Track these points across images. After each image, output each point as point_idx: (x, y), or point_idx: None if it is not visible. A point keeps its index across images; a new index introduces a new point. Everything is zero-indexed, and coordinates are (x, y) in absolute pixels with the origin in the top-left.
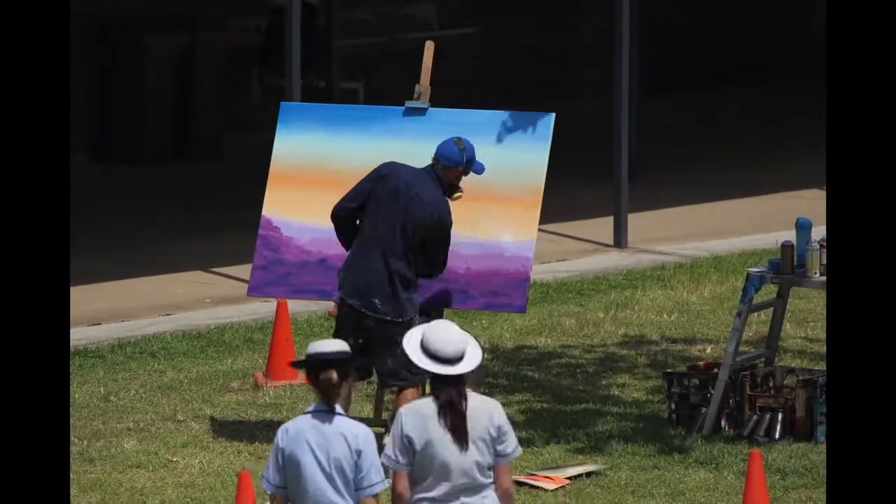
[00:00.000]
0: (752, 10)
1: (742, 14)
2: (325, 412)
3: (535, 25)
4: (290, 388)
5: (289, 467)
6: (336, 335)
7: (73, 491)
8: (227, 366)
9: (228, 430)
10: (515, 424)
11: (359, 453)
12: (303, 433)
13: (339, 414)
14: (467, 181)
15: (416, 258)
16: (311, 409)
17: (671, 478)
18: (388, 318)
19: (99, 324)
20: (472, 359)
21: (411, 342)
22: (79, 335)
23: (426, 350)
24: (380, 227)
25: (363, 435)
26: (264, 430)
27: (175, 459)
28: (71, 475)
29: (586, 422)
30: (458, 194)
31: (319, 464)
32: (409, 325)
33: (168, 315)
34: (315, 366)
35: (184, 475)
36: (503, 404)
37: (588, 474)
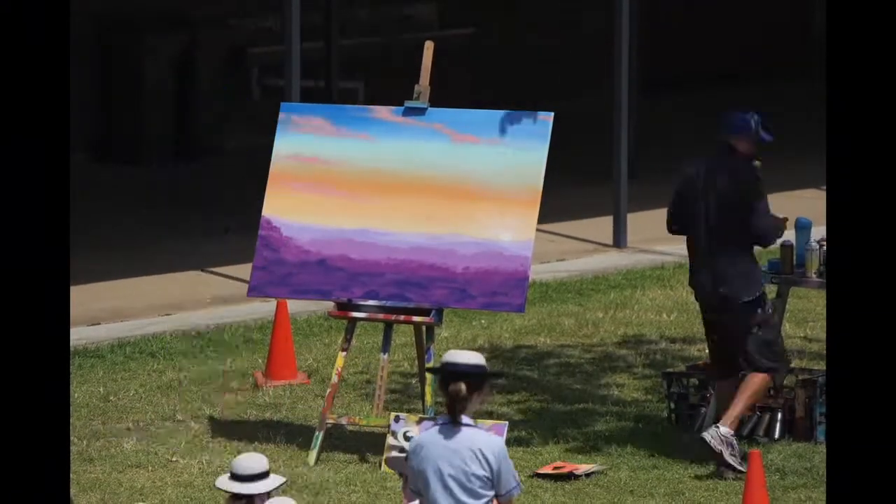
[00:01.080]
0: (753, 11)
1: (742, 14)
2: (450, 424)
3: (535, 26)
4: (289, 388)
5: (419, 479)
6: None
7: (72, 490)
8: (226, 366)
9: (228, 429)
10: (514, 424)
11: (488, 462)
12: (428, 446)
13: (467, 425)
14: (466, 182)
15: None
16: (439, 420)
17: (671, 477)
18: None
19: (99, 324)
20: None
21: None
22: (79, 335)
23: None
24: (702, 229)
25: (490, 445)
26: (264, 430)
27: (174, 459)
28: (71, 475)
29: (585, 421)
30: (758, 162)
31: (441, 476)
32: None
33: (168, 315)
34: (446, 375)
35: (183, 475)
36: (502, 404)
37: (588, 474)
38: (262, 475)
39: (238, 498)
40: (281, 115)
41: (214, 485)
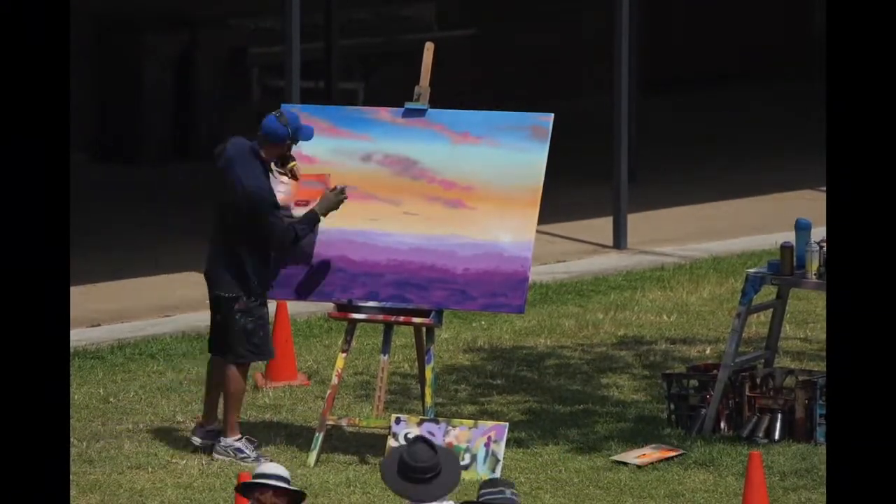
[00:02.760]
0: (753, 10)
1: (742, 14)
2: None
3: (535, 26)
4: (289, 389)
5: None
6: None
7: (72, 492)
8: None
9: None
10: (514, 425)
11: None
12: None
13: None
14: (466, 183)
15: (244, 238)
16: None
17: (670, 479)
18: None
19: (99, 325)
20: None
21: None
22: (79, 336)
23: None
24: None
25: None
26: (264, 431)
27: (174, 460)
28: (71, 476)
29: (585, 422)
30: (293, 164)
31: None
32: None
33: (168, 316)
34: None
35: (183, 476)
36: (502, 405)
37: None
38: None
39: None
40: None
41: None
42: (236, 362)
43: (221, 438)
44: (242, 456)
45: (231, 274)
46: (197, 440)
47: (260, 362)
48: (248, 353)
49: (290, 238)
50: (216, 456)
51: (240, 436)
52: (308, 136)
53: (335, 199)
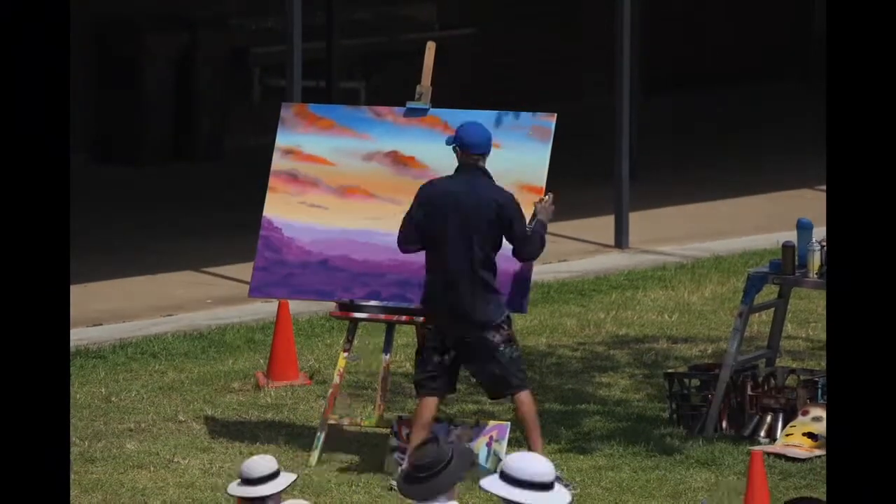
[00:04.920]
0: (753, 10)
1: (742, 14)
2: None
3: (536, 26)
4: (290, 389)
5: None
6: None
7: (74, 491)
8: (227, 366)
9: (230, 430)
10: (516, 424)
11: None
12: None
13: None
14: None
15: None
16: None
17: (672, 478)
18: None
19: (100, 324)
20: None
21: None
22: (80, 336)
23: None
24: (450, 251)
25: None
26: (265, 431)
27: (176, 460)
28: (72, 476)
29: (587, 422)
30: None
31: None
32: (501, 328)
33: (169, 315)
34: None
35: (185, 476)
36: (504, 404)
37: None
38: (273, 475)
39: (250, 501)
40: (282, 115)
41: (226, 492)
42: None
43: None
44: None
45: (486, 302)
46: None
47: (261, 361)
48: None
49: (539, 243)
50: None
51: None
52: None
53: (551, 206)
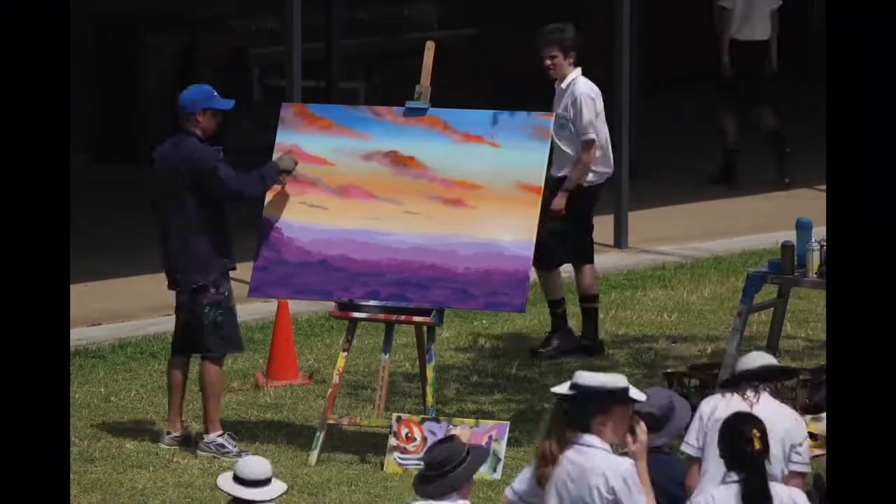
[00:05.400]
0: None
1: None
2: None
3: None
4: (290, 389)
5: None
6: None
7: (73, 491)
8: (227, 366)
9: (229, 429)
10: (515, 424)
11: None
12: None
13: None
14: (467, 182)
15: (206, 212)
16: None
17: None
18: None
19: (99, 324)
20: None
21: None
22: (79, 335)
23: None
24: (168, 207)
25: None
26: (265, 430)
27: (175, 459)
28: (71, 475)
29: None
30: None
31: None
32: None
33: (168, 315)
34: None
35: (184, 475)
36: (503, 404)
37: None
38: (265, 481)
39: (239, 502)
40: (282, 115)
41: (217, 484)
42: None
43: (204, 435)
44: (224, 451)
45: (196, 265)
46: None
47: (260, 361)
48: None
49: (258, 182)
50: (199, 454)
51: (221, 431)
52: (229, 104)
53: (291, 161)
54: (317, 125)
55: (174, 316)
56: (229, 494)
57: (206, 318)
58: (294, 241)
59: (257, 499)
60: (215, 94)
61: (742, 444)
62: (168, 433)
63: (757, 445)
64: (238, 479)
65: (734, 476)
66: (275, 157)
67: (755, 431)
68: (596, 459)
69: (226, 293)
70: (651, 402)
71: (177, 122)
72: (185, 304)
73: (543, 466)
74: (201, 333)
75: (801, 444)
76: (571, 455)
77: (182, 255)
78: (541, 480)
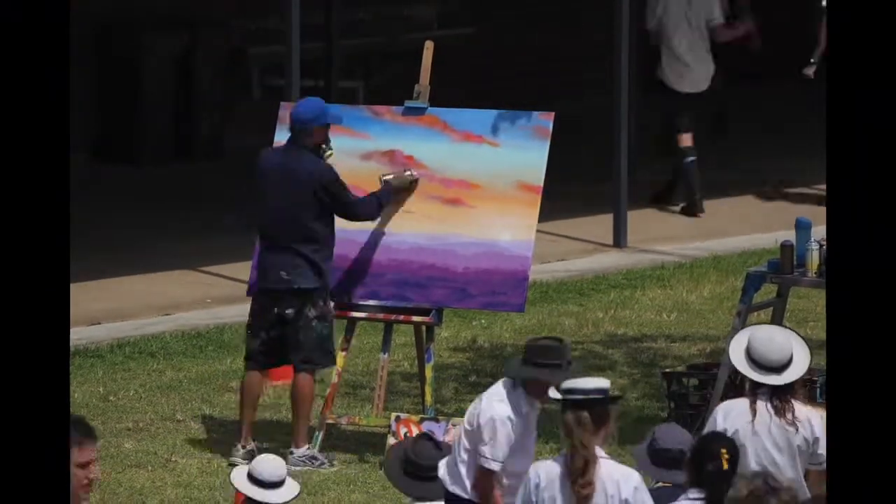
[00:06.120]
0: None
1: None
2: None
3: (536, 25)
4: (288, 389)
5: None
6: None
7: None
8: (226, 366)
9: (228, 429)
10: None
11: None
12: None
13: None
14: (466, 182)
15: (323, 231)
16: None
17: None
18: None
19: (98, 323)
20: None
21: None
22: (78, 335)
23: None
24: (276, 216)
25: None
26: (264, 430)
27: (174, 459)
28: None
29: None
30: (329, 153)
31: None
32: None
33: (167, 315)
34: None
35: (183, 475)
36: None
37: None
38: (280, 483)
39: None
40: (280, 114)
41: (231, 480)
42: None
43: (293, 449)
44: (318, 463)
45: (308, 278)
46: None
47: None
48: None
49: (374, 206)
50: (291, 468)
51: (309, 444)
52: (339, 119)
53: (407, 177)
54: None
55: (255, 326)
56: (247, 496)
57: (314, 330)
58: None
59: (271, 501)
60: (327, 107)
61: (710, 463)
62: (243, 447)
63: (724, 465)
64: (252, 479)
65: (696, 493)
66: (391, 176)
67: (724, 451)
68: (607, 467)
69: (331, 306)
70: (673, 439)
71: (179, 125)
72: (291, 315)
73: (585, 486)
74: (308, 345)
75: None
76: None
77: (294, 266)
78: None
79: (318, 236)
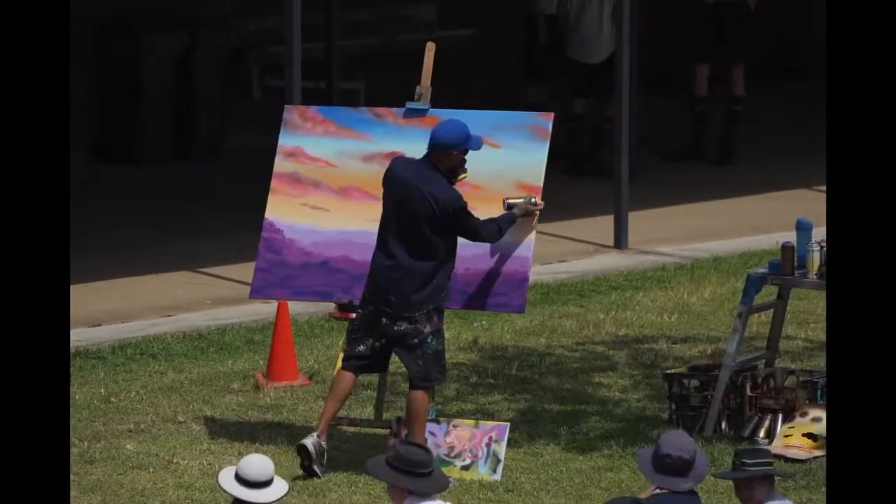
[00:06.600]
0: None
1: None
2: None
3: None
4: (290, 390)
5: None
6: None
7: (73, 492)
8: (227, 367)
9: (229, 431)
10: (515, 425)
11: None
12: None
13: None
14: (467, 181)
15: (445, 249)
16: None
17: None
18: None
19: (99, 325)
20: None
21: None
22: (79, 336)
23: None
24: (396, 230)
25: None
26: (265, 432)
27: (175, 461)
28: (71, 476)
29: (586, 423)
30: (463, 175)
31: None
32: (427, 321)
33: (168, 316)
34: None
35: (184, 476)
36: (503, 405)
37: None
38: (268, 482)
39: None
40: (284, 117)
41: (218, 482)
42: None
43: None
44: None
45: (425, 293)
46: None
47: (260, 362)
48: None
49: (496, 231)
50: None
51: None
52: (478, 146)
53: (531, 206)
54: (319, 127)
55: (366, 338)
56: (234, 497)
57: (429, 347)
58: (296, 243)
59: (258, 501)
60: (471, 134)
61: None
62: (319, 435)
63: None
64: (239, 479)
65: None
66: (517, 201)
67: None
68: None
69: (444, 323)
70: (675, 446)
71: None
72: (404, 333)
73: None
74: (422, 362)
75: None
76: None
77: (415, 283)
78: None
79: (445, 256)
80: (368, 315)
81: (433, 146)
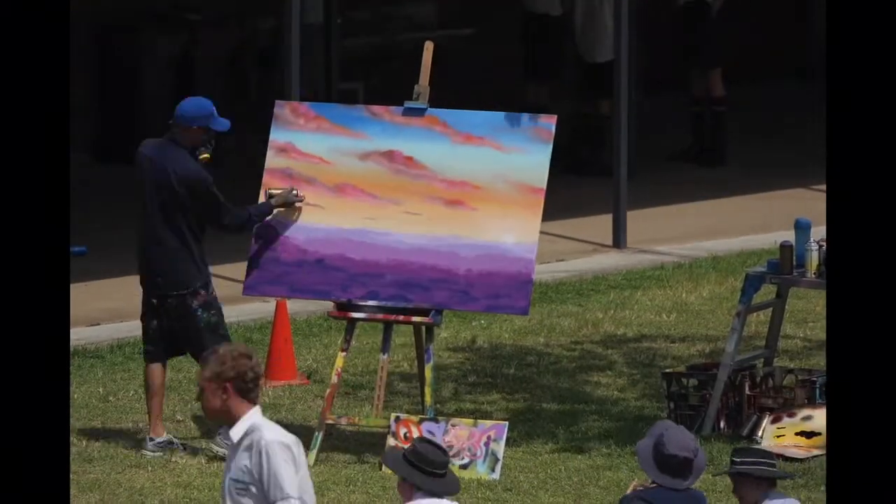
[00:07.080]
0: (752, 10)
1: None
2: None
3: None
4: (288, 389)
5: None
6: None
7: (72, 491)
8: None
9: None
10: (514, 424)
11: None
12: None
13: None
14: (467, 183)
15: (189, 224)
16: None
17: None
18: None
19: (98, 324)
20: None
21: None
22: (78, 335)
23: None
24: (148, 210)
25: None
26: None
27: (174, 460)
28: (70, 475)
29: (585, 422)
30: (205, 155)
31: None
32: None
33: None
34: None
35: (182, 475)
36: (502, 404)
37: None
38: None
39: None
40: (276, 112)
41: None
42: None
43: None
44: (173, 447)
45: (183, 268)
46: (150, 453)
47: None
48: None
49: (245, 218)
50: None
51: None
52: (224, 127)
53: (292, 197)
54: (311, 123)
55: (146, 322)
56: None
57: (200, 321)
58: (289, 240)
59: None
60: (215, 112)
61: None
62: (151, 439)
63: None
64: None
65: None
66: (278, 190)
67: None
68: None
69: (214, 294)
70: (685, 446)
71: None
72: (173, 310)
73: None
74: (197, 336)
75: None
76: None
77: (173, 260)
78: None
79: (197, 232)
80: (145, 299)
81: (174, 119)
